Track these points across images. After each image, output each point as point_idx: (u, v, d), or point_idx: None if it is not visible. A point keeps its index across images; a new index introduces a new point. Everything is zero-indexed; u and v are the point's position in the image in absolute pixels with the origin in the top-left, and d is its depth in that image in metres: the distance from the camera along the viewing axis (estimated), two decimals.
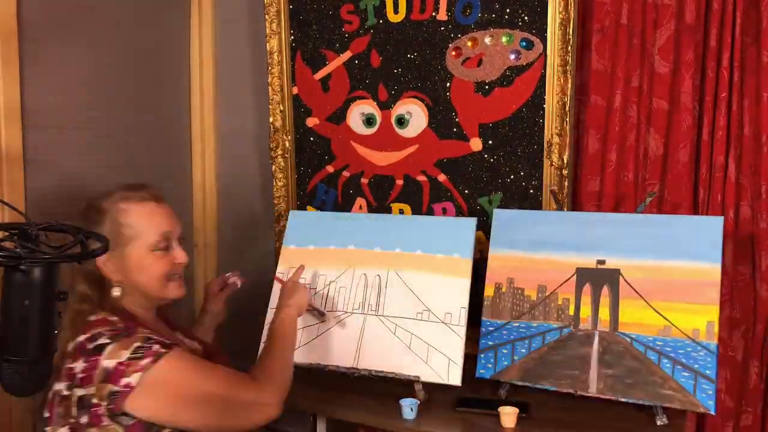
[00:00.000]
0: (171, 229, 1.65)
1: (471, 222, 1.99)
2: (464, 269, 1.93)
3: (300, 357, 1.97)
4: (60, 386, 1.49)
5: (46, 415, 1.52)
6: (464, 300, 1.90)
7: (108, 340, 1.48)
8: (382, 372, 1.90)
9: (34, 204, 2.01)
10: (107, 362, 1.44)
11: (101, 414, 1.44)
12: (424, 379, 1.87)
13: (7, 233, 1.65)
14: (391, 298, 1.98)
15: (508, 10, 2.11)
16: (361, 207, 2.40)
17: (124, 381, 1.43)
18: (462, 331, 1.87)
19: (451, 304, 1.91)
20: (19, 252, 1.53)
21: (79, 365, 1.47)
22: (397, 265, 2.01)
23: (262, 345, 1.87)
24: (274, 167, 2.48)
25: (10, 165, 1.94)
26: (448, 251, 1.97)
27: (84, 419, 1.45)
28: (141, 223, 1.60)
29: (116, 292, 1.59)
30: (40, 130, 2.05)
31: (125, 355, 1.44)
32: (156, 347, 1.47)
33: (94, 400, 1.45)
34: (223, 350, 1.96)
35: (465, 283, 1.92)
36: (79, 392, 1.46)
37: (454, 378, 1.84)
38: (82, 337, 1.51)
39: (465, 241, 1.97)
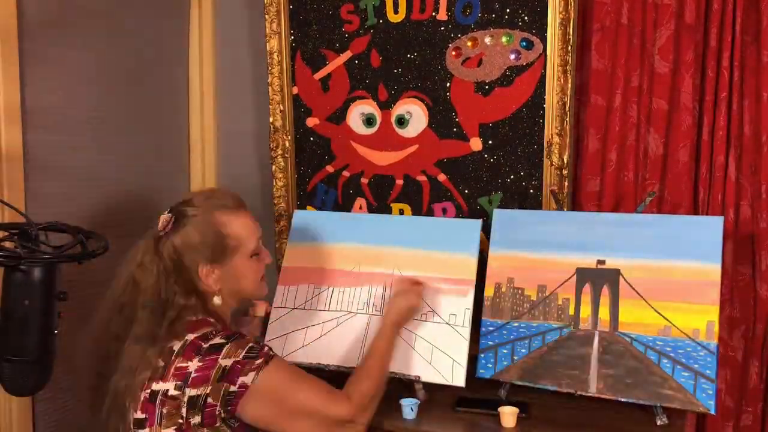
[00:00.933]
0: (261, 233, 1.70)
1: (476, 224, 1.99)
2: (469, 270, 1.93)
3: (304, 357, 1.98)
4: (165, 386, 1.46)
5: (142, 416, 1.48)
6: (469, 301, 1.90)
7: (223, 340, 1.49)
8: None
9: (34, 204, 2.01)
10: (225, 361, 1.45)
11: (216, 414, 1.45)
12: (427, 379, 1.87)
13: (7, 233, 1.65)
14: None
15: (508, 10, 2.11)
16: (361, 207, 2.40)
17: (241, 380, 1.45)
18: (466, 332, 1.87)
19: (456, 305, 1.91)
20: (19, 252, 1.53)
21: (193, 365, 1.46)
22: (402, 265, 2.01)
23: (362, 357, 1.78)
24: (274, 167, 2.48)
25: (10, 165, 1.94)
26: (454, 252, 1.97)
27: (196, 419, 1.44)
28: (242, 234, 1.63)
29: (218, 300, 1.61)
30: (40, 130, 2.05)
31: (241, 353, 1.47)
32: (266, 349, 1.51)
33: (210, 400, 1.44)
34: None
35: (470, 285, 1.92)
36: (191, 392, 1.45)
37: (458, 379, 1.84)
38: (191, 336, 1.50)
39: (470, 242, 1.97)
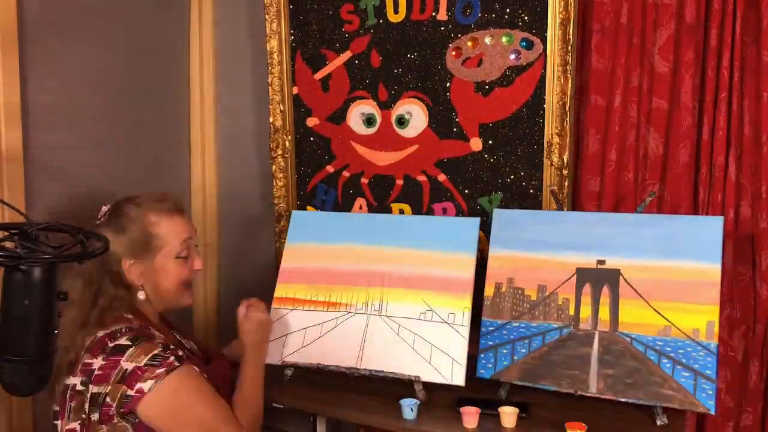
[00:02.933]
0: (190, 236, 1.74)
1: (475, 222, 1.99)
2: (468, 269, 1.93)
3: (303, 357, 1.98)
4: (74, 380, 1.52)
5: (56, 408, 1.55)
6: (468, 300, 1.90)
7: (128, 342, 1.53)
8: (382, 372, 1.90)
9: (34, 204, 2.01)
10: (126, 364, 1.49)
11: (112, 414, 1.48)
12: (427, 379, 1.87)
13: (7, 233, 1.65)
14: (394, 297, 1.98)
15: (508, 10, 2.11)
16: (361, 207, 2.40)
17: (138, 386, 1.48)
18: (465, 331, 1.87)
19: (455, 305, 1.91)
20: (19, 252, 1.53)
21: (97, 362, 1.51)
22: (401, 264, 2.01)
23: (239, 382, 1.77)
24: (274, 167, 2.48)
25: (10, 165, 1.94)
26: (452, 251, 1.97)
27: (95, 416, 1.49)
28: (168, 234, 1.69)
29: (141, 295, 1.67)
30: (40, 130, 2.05)
31: (144, 360, 1.50)
32: (171, 359, 1.53)
33: (108, 399, 1.49)
34: (219, 353, 1.97)
35: (469, 284, 1.92)
36: (94, 389, 1.50)
37: (458, 378, 1.84)
38: (101, 333, 1.55)
39: (469, 240, 1.97)
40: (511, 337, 1.92)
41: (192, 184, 2.68)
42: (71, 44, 2.16)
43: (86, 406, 1.50)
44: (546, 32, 2.06)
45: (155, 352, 1.52)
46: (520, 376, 1.88)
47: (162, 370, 1.50)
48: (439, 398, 1.90)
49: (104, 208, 1.71)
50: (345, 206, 2.42)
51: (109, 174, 2.30)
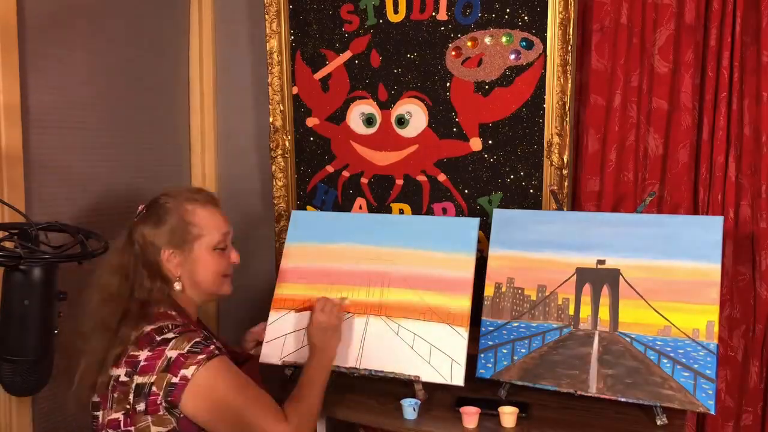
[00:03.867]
0: (229, 231, 1.76)
1: (474, 222, 1.99)
2: (468, 269, 1.93)
3: (302, 357, 1.97)
4: (118, 372, 1.53)
5: (96, 399, 1.56)
6: (467, 300, 1.90)
7: (174, 334, 1.54)
8: (382, 372, 1.90)
9: (34, 204, 2.01)
10: (170, 352, 1.51)
11: (159, 403, 1.50)
12: (426, 379, 1.87)
13: (7, 233, 1.65)
14: (394, 297, 1.98)
15: (508, 10, 2.11)
16: (361, 207, 2.40)
17: (182, 373, 1.49)
18: (465, 331, 1.87)
19: (454, 304, 1.91)
20: (19, 252, 1.53)
21: (143, 354, 1.52)
22: (401, 264, 2.01)
23: (299, 381, 1.75)
24: (274, 167, 2.48)
25: (10, 165, 1.94)
26: (452, 251, 1.97)
27: (141, 406, 1.50)
28: (206, 224, 1.70)
29: (178, 286, 1.68)
30: (40, 130, 2.05)
31: (186, 347, 1.52)
32: (212, 347, 1.55)
33: (154, 389, 1.50)
34: (248, 354, 1.98)
35: (468, 284, 1.92)
36: (138, 380, 1.50)
37: (457, 378, 1.84)
38: (148, 328, 1.56)
39: (468, 240, 1.97)
40: (511, 337, 1.92)
41: (192, 184, 2.68)
42: (71, 44, 2.16)
43: (130, 396, 1.50)
44: (546, 32, 2.06)
45: (197, 339, 1.54)
46: (520, 376, 1.88)
47: (203, 356, 1.51)
48: (440, 398, 1.90)
49: (141, 207, 1.72)
50: (345, 206, 2.42)
51: (109, 174, 2.30)
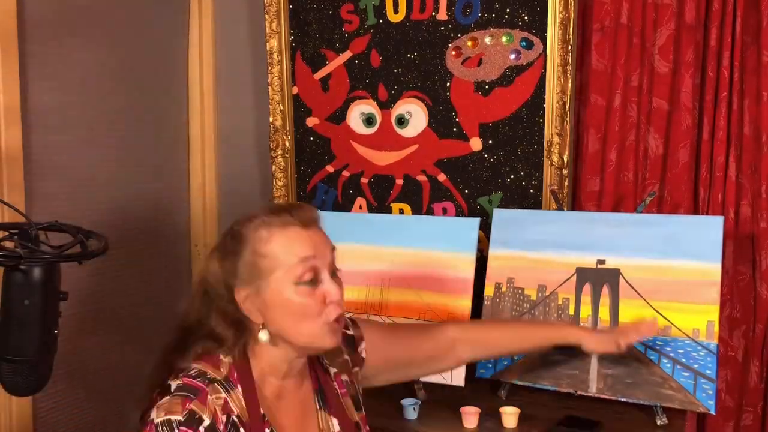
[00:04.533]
0: (315, 255, 1.25)
1: (474, 222, 1.99)
2: (468, 269, 1.93)
3: None
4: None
5: None
6: (467, 300, 1.90)
7: (175, 385, 1.21)
8: None
9: (34, 204, 2.01)
10: (153, 413, 1.18)
11: None
12: (426, 379, 1.87)
13: (7, 233, 1.65)
14: (394, 297, 1.98)
15: (508, 10, 2.11)
16: (361, 207, 2.40)
17: None
18: None
19: (454, 304, 1.91)
20: (19, 252, 1.53)
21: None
22: (401, 264, 2.01)
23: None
24: (274, 167, 2.48)
25: (10, 165, 1.94)
26: (452, 251, 1.97)
27: None
28: (280, 251, 1.24)
29: (263, 336, 1.26)
30: (41, 130, 2.05)
31: (160, 418, 1.17)
32: None
33: None
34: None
35: (468, 284, 1.92)
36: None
37: (457, 379, 1.84)
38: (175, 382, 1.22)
39: (468, 240, 1.96)
40: None
41: (192, 184, 2.68)
42: (71, 45, 2.16)
43: None
44: (546, 32, 2.06)
45: (173, 417, 1.15)
46: (520, 376, 1.88)
47: None
48: (440, 398, 1.90)
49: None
50: (345, 206, 2.42)
51: (109, 174, 2.30)
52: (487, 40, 2.16)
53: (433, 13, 2.22)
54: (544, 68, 2.08)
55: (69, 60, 2.15)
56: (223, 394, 1.21)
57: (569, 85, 2.05)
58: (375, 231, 2.09)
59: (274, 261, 1.24)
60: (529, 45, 2.10)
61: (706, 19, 2.08)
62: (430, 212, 2.30)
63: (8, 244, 1.60)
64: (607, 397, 1.77)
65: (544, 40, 2.07)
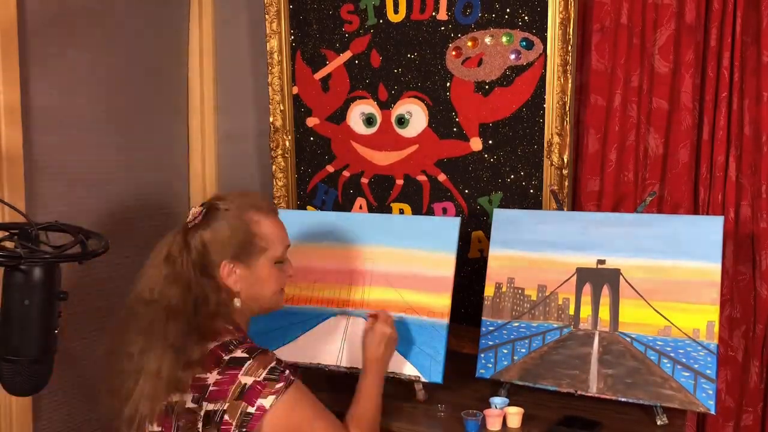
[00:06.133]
0: (290, 244, 1.63)
1: (455, 221, 1.97)
2: (448, 268, 1.93)
3: (282, 355, 1.97)
4: (183, 398, 1.40)
5: (157, 429, 1.43)
6: (447, 299, 1.90)
7: (245, 354, 1.42)
8: (357, 369, 1.89)
9: (34, 204, 2.01)
10: (245, 378, 1.39)
11: None
12: (405, 376, 1.87)
13: (7, 233, 1.65)
14: (375, 296, 1.98)
15: (508, 10, 2.11)
16: (361, 207, 2.40)
17: (259, 402, 1.38)
18: (444, 328, 1.87)
19: (434, 303, 1.91)
20: (19, 252, 1.53)
21: (212, 377, 1.40)
22: (383, 263, 2.01)
23: (357, 396, 1.69)
24: (274, 167, 2.48)
25: (10, 165, 1.94)
26: (433, 250, 1.97)
27: None
28: (271, 237, 1.57)
29: (238, 303, 1.54)
30: (41, 130, 2.05)
31: (262, 374, 1.40)
32: (287, 372, 1.43)
33: (226, 417, 1.38)
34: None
35: (449, 282, 1.92)
36: (208, 407, 1.39)
37: (436, 375, 1.84)
38: (212, 344, 1.44)
39: (450, 240, 1.95)
40: (511, 337, 1.92)
41: (192, 184, 2.68)
42: (71, 45, 2.16)
43: (199, 425, 1.38)
44: (546, 32, 2.06)
45: (272, 365, 1.42)
46: (520, 376, 1.88)
47: (281, 384, 1.40)
48: (440, 398, 1.90)
49: (195, 210, 1.56)
50: (345, 206, 2.42)
51: (109, 174, 2.30)
52: (488, 40, 2.16)
53: (434, 13, 2.22)
54: (544, 68, 2.08)
55: (69, 60, 2.15)
56: None
57: (569, 85, 2.05)
58: (357, 230, 2.08)
59: (266, 243, 1.55)
60: (530, 45, 2.10)
61: (706, 20, 2.08)
62: (430, 212, 2.30)
63: (8, 244, 1.60)
64: (607, 397, 1.77)
65: (544, 41, 2.07)
